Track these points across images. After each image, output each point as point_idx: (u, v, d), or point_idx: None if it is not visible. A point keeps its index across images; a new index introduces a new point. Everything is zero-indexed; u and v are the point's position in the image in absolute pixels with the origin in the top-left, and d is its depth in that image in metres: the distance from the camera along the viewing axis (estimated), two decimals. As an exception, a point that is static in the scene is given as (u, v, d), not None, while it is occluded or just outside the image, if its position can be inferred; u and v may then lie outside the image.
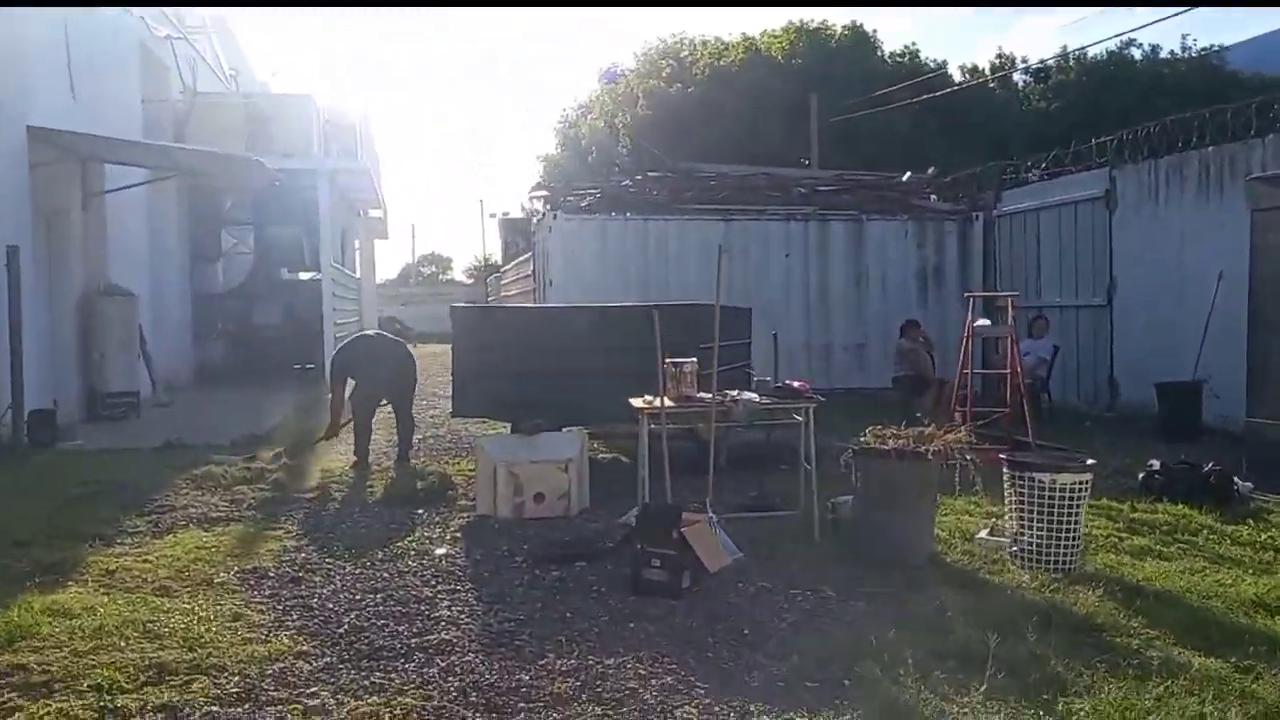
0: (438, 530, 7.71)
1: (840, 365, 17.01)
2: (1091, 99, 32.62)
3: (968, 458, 6.32)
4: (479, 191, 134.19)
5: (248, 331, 22.57)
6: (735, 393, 7.21)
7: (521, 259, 23.08)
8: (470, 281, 60.22)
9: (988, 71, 35.93)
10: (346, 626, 5.51)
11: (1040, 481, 6.14)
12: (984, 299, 11.48)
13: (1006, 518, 6.48)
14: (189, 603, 5.89)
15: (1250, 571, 6.21)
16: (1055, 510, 6.12)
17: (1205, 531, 7.15)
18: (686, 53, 34.82)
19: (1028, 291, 16.64)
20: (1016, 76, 36.79)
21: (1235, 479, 8.29)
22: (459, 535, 7.56)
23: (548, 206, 18.21)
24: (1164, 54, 36.54)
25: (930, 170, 19.21)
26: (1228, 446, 11.56)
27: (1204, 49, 36.85)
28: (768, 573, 6.30)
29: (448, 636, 5.31)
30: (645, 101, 32.80)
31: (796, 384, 7.43)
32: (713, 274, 7.16)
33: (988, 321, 11.47)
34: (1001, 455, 6.49)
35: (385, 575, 6.50)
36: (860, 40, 34.36)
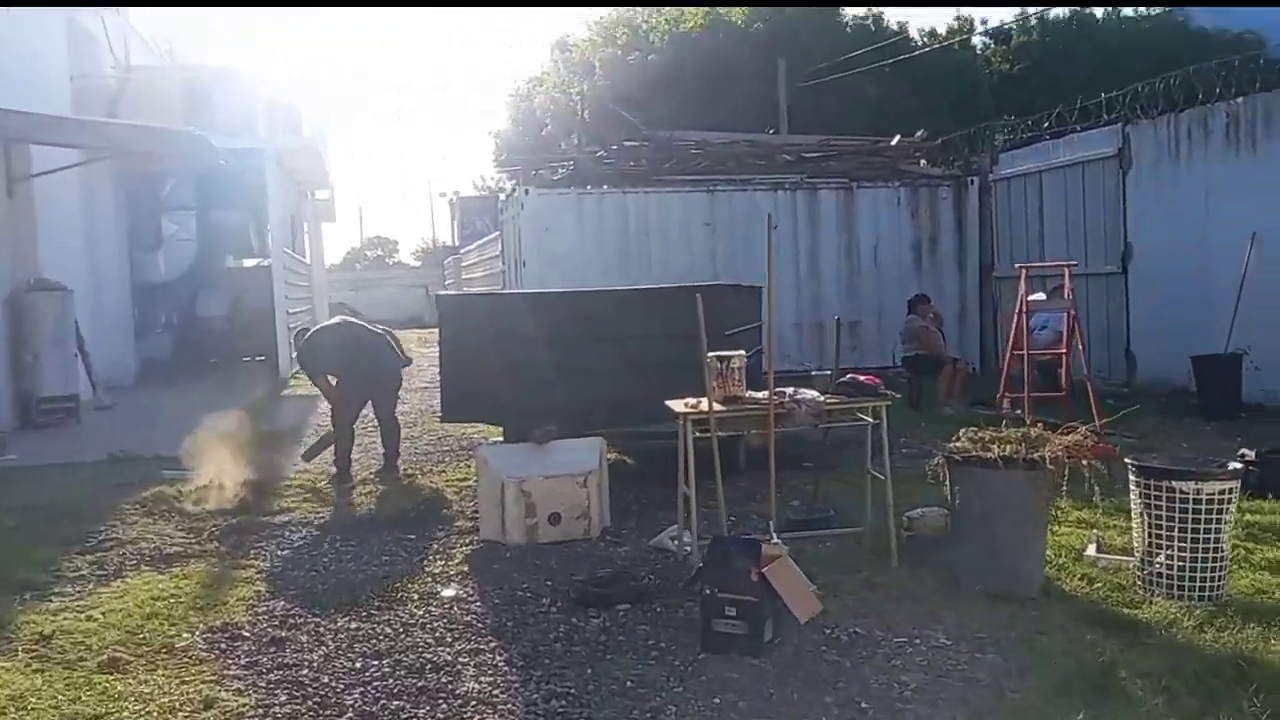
0: (439, 563, 6.54)
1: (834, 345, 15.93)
2: (1057, 60, 31.87)
3: (1089, 463, 5.28)
4: (427, 171, 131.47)
5: (193, 324, 21.08)
6: (792, 391, 6.10)
7: (486, 239, 21.82)
8: (419, 264, 58.54)
9: (945, 35, 34.99)
10: (352, 712, 4.34)
11: (1182, 491, 5.11)
12: (1039, 270, 10.43)
13: (1135, 533, 5.45)
14: (146, 682, 4.69)
15: None
16: (1199, 525, 5.10)
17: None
18: (642, 20, 33.47)
19: (1030, 260, 15.75)
20: (977, 40, 35.94)
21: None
22: (466, 569, 6.40)
23: (516, 182, 16.96)
24: (1127, 12, 35.84)
25: (919, 133, 18.16)
26: (1268, 421, 10.76)
27: (1166, 7, 36.23)
28: (853, 611, 5.23)
29: (486, 724, 4.17)
30: (602, 71, 31.46)
31: (864, 378, 6.33)
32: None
33: (1043, 295, 10.48)
34: (1128, 459, 5.45)
35: (388, 630, 5.33)
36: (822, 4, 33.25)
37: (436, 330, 9.74)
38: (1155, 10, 35.85)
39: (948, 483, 5.53)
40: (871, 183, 16.67)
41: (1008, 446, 5.30)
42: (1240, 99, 12.40)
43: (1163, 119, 13.42)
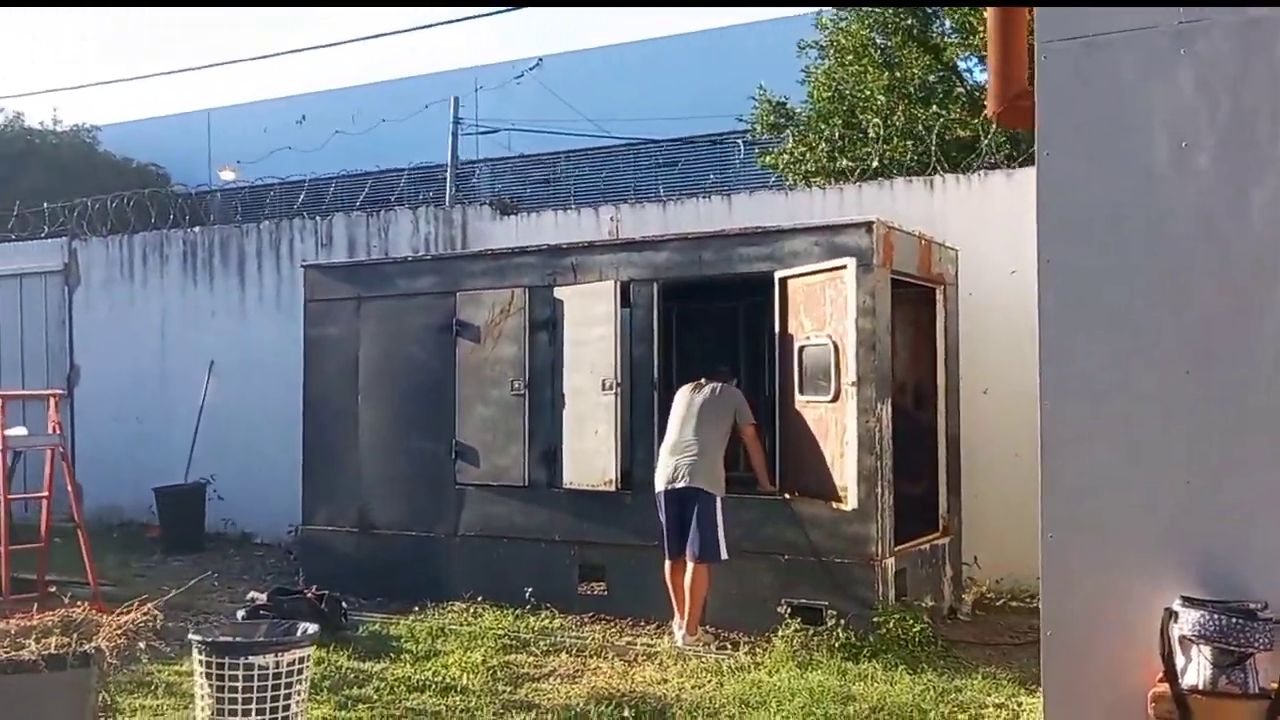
0: None
1: None
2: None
3: (149, 644, 4.33)
4: None
5: None
6: None
7: None
8: None
9: None
10: None
11: (261, 666, 4.45)
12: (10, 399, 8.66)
13: (200, 716, 4.59)
14: None
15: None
16: (276, 698, 4.50)
17: (373, 680, 6.09)
18: None
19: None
20: None
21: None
22: None
23: None
24: (33, 125, 34.32)
25: None
26: (233, 552, 10.75)
27: (75, 126, 35.56)
28: None
29: None
30: None
31: None
32: None
33: (24, 430, 8.67)
34: (193, 634, 4.57)
35: None
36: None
37: None
38: (63, 128, 35.05)
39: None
40: None
41: (51, 640, 4.07)
42: (197, 229, 12.43)
43: (115, 238, 12.80)
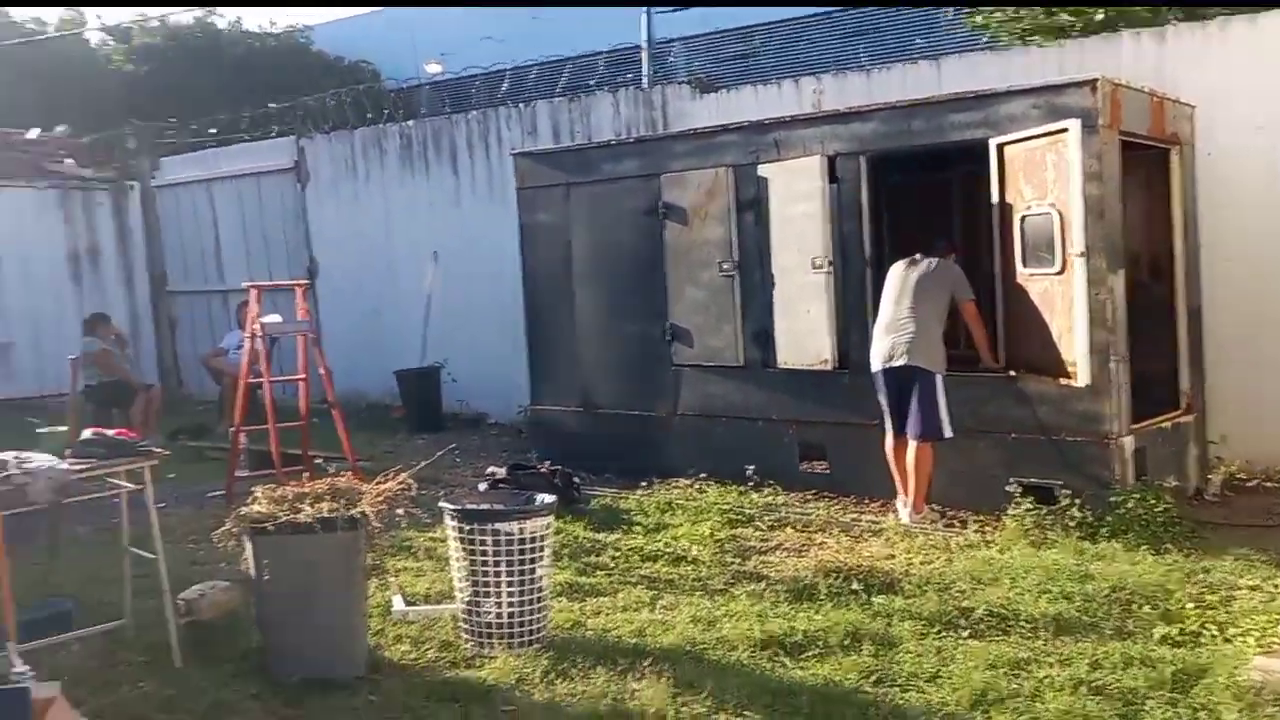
0: None
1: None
2: (183, 67, 30.58)
3: (406, 511, 4.71)
4: None
5: None
6: (14, 458, 4.47)
7: None
8: None
9: (55, 24, 31.51)
10: None
11: (506, 533, 4.77)
12: (266, 289, 9.46)
13: (457, 582, 4.97)
14: None
15: (698, 594, 5.57)
16: (524, 565, 4.82)
17: (608, 550, 6.42)
18: None
19: (207, 273, 14.85)
20: (94, 35, 32.99)
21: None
22: None
23: None
24: (250, 27, 35.81)
25: (61, 128, 15.86)
26: (469, 431, 11.32)
27: (289, 28, 36.98)
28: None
29: None
30: None
31: (113, 431, 4.93)
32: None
33: (278, 317, 9.44)
34: (443, 502, 4.94)
35: None
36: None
37: None
38: (279, 30, 36.44)
39: (250, 557, 4.51)
40: (11, 182, 14.13)
41: (322, 506, 4.47)
42: (411, 123, 12.87)
43: (338, 135, 13.41)
